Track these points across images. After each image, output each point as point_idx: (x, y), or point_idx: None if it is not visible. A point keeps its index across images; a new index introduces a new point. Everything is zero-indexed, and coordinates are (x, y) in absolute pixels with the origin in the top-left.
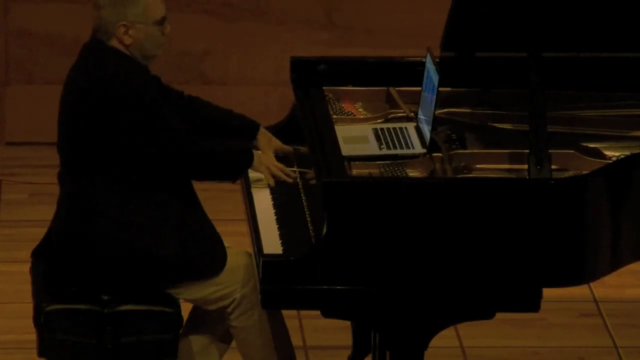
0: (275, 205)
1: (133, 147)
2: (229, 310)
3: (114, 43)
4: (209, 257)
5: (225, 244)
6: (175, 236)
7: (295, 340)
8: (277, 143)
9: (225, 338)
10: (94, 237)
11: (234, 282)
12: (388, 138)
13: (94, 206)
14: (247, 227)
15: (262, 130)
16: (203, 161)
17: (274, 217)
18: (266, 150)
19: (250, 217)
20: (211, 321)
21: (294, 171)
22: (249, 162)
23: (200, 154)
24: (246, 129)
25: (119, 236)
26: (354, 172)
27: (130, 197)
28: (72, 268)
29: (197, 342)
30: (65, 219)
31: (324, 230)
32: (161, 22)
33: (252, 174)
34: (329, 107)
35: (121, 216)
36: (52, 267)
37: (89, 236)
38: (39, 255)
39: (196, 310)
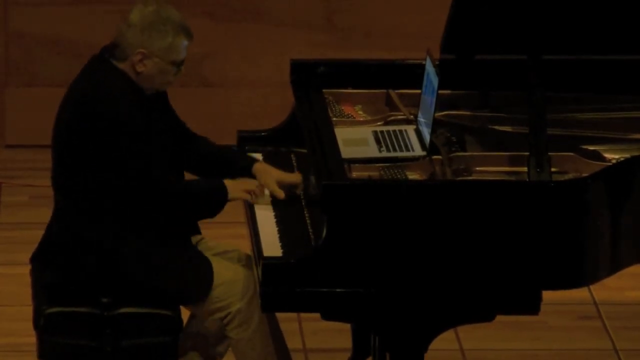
0: (275, 208)
1: (103, 172)
2: (225, 322)
3: (125, 65)
4: (191, 286)
5: (227, 248)
6: (154, 266)
7: (295, 342)
8: (279, 175)
9: (221, 343)
10: (77, 251)
11: (229, 295)
12: (388, 140)
13: (73, 224)
14: (247, 230)
15: (257, 165)
16: (175, 202)
17: (274, 220)
18: (269, 184)
19: (250, 220)
20: (208, 327)
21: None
22: (223, 198)
23: (173, 194)
24: (241, 165)
25: (96, 259)
26: (354, 174)
27: (106, 220)
28: (66, 275)
29: (194, 346)
30: (55, 229)
31: (324, 232)
32: (179, 64)
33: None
34: (329, 109)
35: (96, 240)
36: (50, 271)
37: (73, 251)
38: (37, 259)
39: (193, 316)
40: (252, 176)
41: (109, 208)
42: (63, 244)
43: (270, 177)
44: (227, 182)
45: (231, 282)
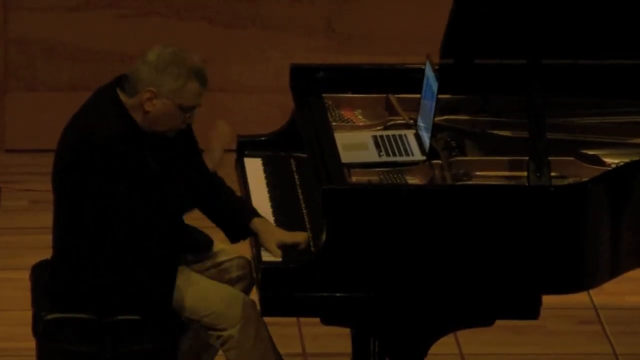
0: (275, 212)
1: (90, 202)
2: (219, 342)
3: (134, 101)
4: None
5: (228, 256)
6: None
7: (295, 347)
8: (281, 236)
9: (209, 351)
10: (72, 266)
11: (220, 322)
12: (387, 145)
13: (64, 242)
14: None
15: (257, 222)
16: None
17: (274, 224)
18: (268, 245)
19: None
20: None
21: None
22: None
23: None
24: (241, 221)
25: (87, 280)
26: (354, 179)
27: (91, 247)
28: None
29: (186, 348)
30: (54, 243)
31: (324, 237)
32: (187, 110)
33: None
34: (329, 114)
35: (82, 267)
36: (51, 280)
37: (70, 267)
38: (39, 269)
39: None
40: (251, 232)
41: (96, 236)
42: (61, 261)
43: (271, 237)
44: None
45: (222, 311)
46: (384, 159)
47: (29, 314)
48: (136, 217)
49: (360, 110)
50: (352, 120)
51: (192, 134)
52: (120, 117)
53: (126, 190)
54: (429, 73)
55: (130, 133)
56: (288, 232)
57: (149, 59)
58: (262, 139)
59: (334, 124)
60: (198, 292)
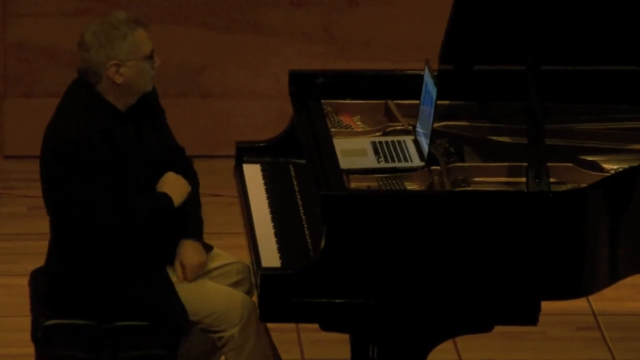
0: (274, 219)
1: (53, 201)
2: (219, 344)
3: (102, 84)
4: (167, 320)
5: (227, 260)
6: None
7: (294, 353)
8: (183, 258)
9: (215, 350)
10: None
11: (221, 323)
12: (386, 151)
13: (56, 247)
14: (246, 241)
15: (187, 243)
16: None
17: (272, 230)
18: (181, 260)
19: (248, 231)
20: (201, 339)
21: None
22: (170, 206)
23: (118, 225)
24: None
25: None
26: (353, 185)
27: (80, 251)
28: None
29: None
30: (49, 248)
31: (323, 243)
32: (151, 56)
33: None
34: (328, 120)
35: (76, 272)
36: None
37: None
38: (37, 275)
39: None
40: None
41: (71, 235)
42: (56, 267)
43: (182, 259)
44: (171, 194)
45: (222, 312)
46: (383, 165)
47: (27, 320)
48: (117, 217)
49: (359, 116)
50: (351, 126)
51: (163, 117)
52: (96, 108)
53: (104, 193)
54: (428, 79)
55: (101, 126)
56: (191, 256)
57: (89, 43)
58: (261, 145)
59: (332, 129)
60: (198, 293)
